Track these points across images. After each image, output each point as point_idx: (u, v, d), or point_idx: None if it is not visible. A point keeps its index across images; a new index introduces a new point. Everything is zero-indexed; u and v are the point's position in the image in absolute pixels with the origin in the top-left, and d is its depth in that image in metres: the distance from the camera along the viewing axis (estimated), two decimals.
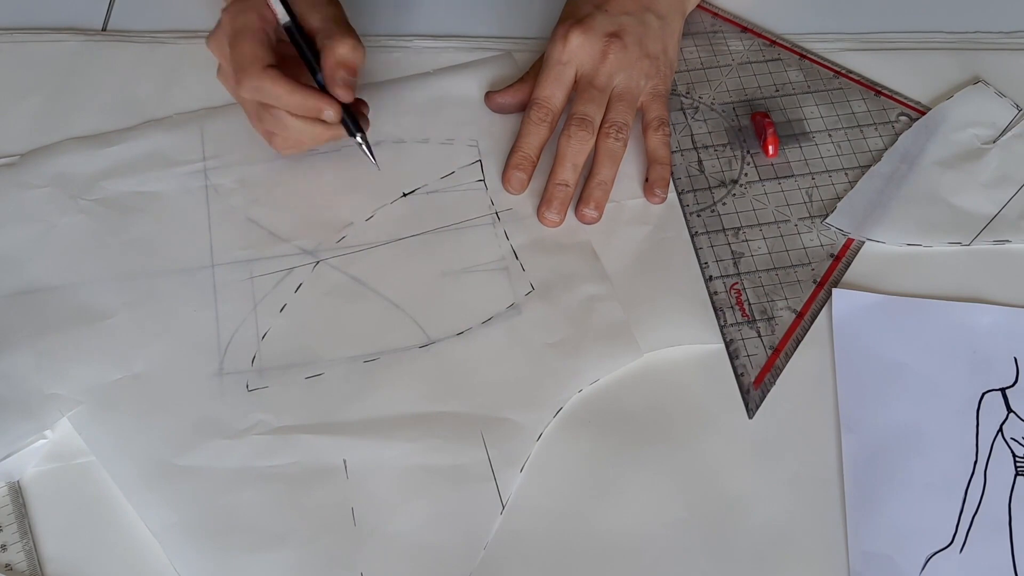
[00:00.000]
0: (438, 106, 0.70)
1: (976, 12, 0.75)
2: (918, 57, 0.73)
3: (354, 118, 0.62)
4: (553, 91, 0.66)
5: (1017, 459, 0.57)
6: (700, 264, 0.64)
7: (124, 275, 0.63)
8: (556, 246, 0.65)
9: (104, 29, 0.74)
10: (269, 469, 0.57)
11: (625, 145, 0.66)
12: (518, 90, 0.69)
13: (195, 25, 0.74)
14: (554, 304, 0.62)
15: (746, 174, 0.68)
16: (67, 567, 0.54)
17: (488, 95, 0.70)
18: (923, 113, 0.70)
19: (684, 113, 0.70)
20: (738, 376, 0.60)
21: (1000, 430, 0.58)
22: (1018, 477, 0.57)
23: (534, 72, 0.69)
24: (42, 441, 0.57)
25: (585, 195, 0.65)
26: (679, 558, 0.55)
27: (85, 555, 0.55)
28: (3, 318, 0.61)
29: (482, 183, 0.67)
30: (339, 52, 0.60)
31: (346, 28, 0.61)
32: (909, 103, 0.71)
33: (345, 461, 0.57)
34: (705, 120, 0.70)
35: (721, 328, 0.62)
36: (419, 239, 0.65)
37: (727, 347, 0.61)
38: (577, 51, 0.66)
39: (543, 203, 0.65)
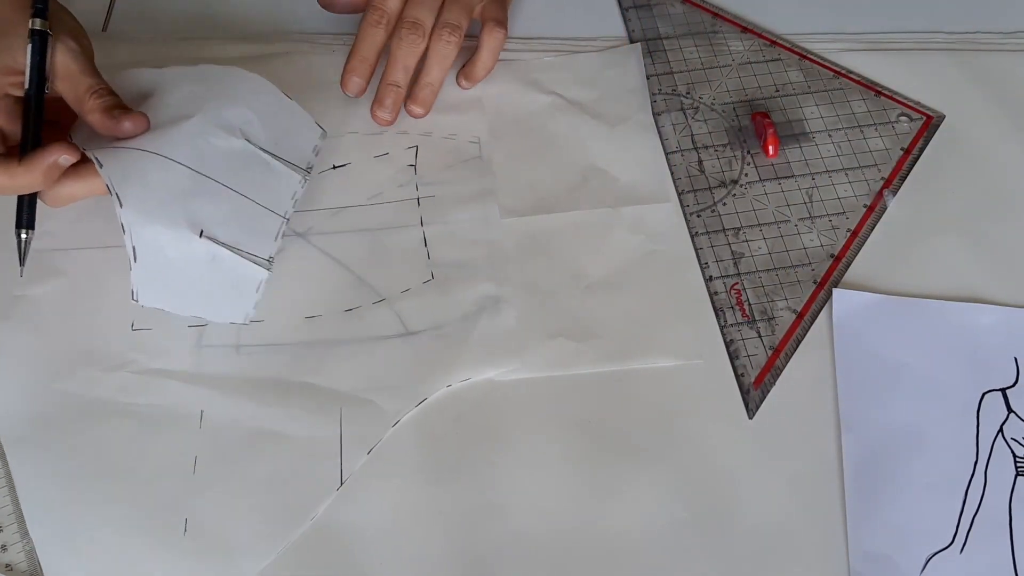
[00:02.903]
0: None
1: (976, 12, 0.75)
2: (918, 57, 0.73)
3: (32, 207, 0.57)
4: None
5: (1017, 459, 0.57)
6: (700, 264, 0.64)
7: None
8: (466, 241, 0.64)
9: (104, 30, 0.74)
10: (128, 406, 0.58)
11: (457, 47, 0.66)
12: None
13: (196, 26, 0.74)
14: (448, 295, 0.62)
15: (746, 174, 0.68)
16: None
17: None
18: (923, 113, 0.70)
19: (684, 113, 0.70)
20: (738, 376, 0.60)
21: (1000, 430, 0.58)
22: (1018, 477, 0.57)
23: None
24: None
25: (412, 94, 0.68)
26: (679, 558, 0.55)
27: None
28: None
29: (412, 168, 0.67)
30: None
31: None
32: (909, 103, 0.71)
33: (202, 412, 0.58)
34: (705, 120, 0.70)
35: (721, 328, 0.62)
36: (344, 210, 0.65)
37: (727, 347, 0.61)
38: None
39: (375, 102, 0.67)
